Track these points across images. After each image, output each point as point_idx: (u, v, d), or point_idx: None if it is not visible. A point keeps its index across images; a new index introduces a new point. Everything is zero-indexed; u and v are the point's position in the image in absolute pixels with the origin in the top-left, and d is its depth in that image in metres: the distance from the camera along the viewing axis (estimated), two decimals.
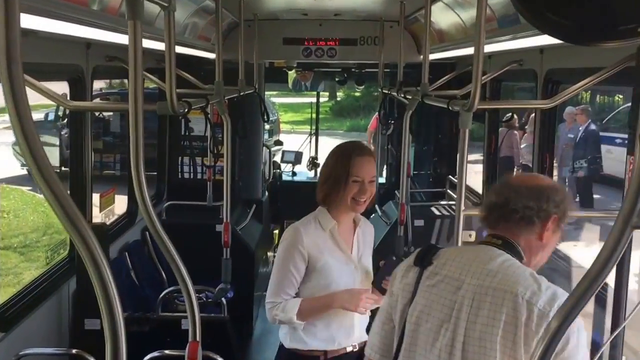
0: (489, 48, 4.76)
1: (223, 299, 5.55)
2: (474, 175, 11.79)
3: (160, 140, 7.99)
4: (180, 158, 8.13)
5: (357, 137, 24.89)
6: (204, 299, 6.34)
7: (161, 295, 5.51)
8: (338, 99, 32.30)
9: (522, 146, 13.60)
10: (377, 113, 12.76)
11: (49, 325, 4.87)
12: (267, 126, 17.46)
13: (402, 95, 6.07)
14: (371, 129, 15.57)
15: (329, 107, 31.71)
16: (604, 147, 13.57)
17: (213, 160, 7.55)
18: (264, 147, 9.47)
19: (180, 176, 8.12)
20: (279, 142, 14.16)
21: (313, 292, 3.66)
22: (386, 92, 7.33)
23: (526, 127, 13.65)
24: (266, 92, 20.46)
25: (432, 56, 5.55)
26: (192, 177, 7.76)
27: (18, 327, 4.35)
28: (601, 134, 13.99)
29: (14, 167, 14.78)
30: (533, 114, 12.84)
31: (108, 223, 6.41)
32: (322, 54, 8.12)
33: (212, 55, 7.61)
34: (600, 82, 3.79)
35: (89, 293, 4.76)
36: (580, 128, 13.11)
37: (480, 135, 7.49)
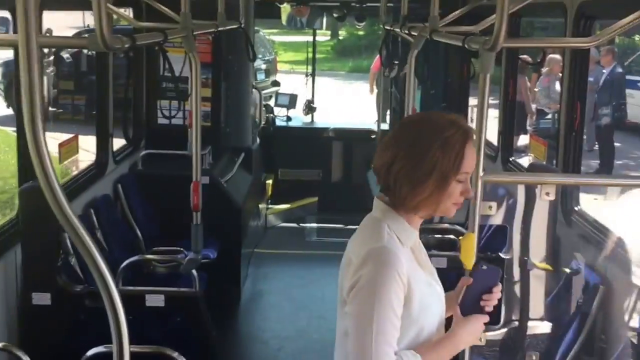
0: None
1: (194, 271, 4.81)
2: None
3: (136, 81, 7.18)
4: (159, 101, 7.31)
5: (360, 78, 24.05)
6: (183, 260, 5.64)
7: (123, 265, 4.78)
8: (340, 37, 31.21)
9: (536, 89, 12.77)
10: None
11: None
12: (263, 66, 16.61)
13: (407, 32, 5.30)
14: (374, 70, 14.71)
15: (330, 47, 30.66)
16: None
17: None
18: (255, 90, 8.64)
19: (159, 122, 7.31)
20: (276, 83, 13.40)
21: (408, 343, 2.44)
22: (389, 28, 6.51)
23: (542, 69, 12.79)
24: (264, 30, 19.64)
25: None
26: (171, 122, 6.96)
27: None
28: None
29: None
30: (549, 55, 12.06)
31: (72, 176, 5.67)
32: None
33: None
34: None
35: (37, 263, 3.97)
36: (604, 70, 12.23)
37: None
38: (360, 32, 28.59)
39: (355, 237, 2.50)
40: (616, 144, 12.38)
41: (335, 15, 9.51)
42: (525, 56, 10.75)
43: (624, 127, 13.23)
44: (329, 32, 29.62)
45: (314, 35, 10.86)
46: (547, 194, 2.48)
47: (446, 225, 5.76)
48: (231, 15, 6.27)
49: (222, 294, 6.52)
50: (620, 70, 12.73)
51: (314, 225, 9.52)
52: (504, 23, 2.52)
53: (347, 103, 18.53)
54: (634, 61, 16.27)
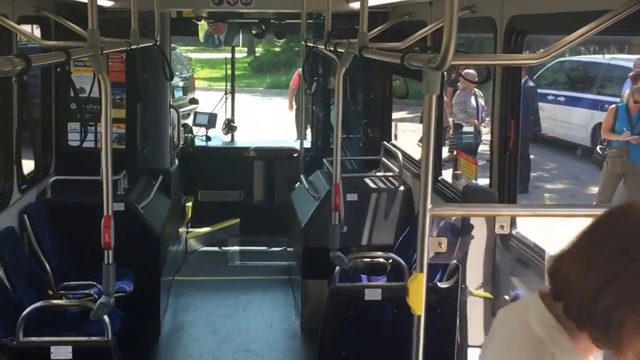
0: None
1: (106, 317, 4.37)
2: (403, 136, 10.91)
3: (44, 102, 6.74)
4: (69, 124, 6.88)
5: (279, 94, 23.84)
6: (96, 295, 5.23)
7: (24, 313, 4.31)
8: (257, 54, 30.96)
9: (453, 102, 12.77)
10: (299, 69, 11.69)
11: None
12: (180, 83, 16.21)
13: (332, 49, 5.06)
14: (293, 87, 14.52)
15: (247, 63, 30.40)
16: None
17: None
18: (172, 109, 8.27)
19: (70, 145, 6.87)
20: (194, 101, 13.04)
21: None
22: (311, 45, 6.27)
23: (458, 84, 12.82)
24: (181, 47, 19.20)
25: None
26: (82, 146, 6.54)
27: None
28: None
29: None
30: (464, 70, 12.07)
31: None
32: (235, 1, 7.02)
33: (108, 3, 6.42)
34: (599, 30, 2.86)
35: None
36: None
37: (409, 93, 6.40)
38: (277, 49, 28.41)
39: (498, 351, 1.87)
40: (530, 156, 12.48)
41: (254, 32, 9.23)
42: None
43: (536, 140, 13.39)
44: (245, 49, 29.33)
45: (233, 52, 10.59)
46: (502, 227, 2.23)
47: (379, 253, 5.53)
48: (146, 32, 5.94)
49: (140, 329, 6.12)
50: (531, 84, 12.83)
51: (237, 248, 9.19)
52: (452, 40, 2.29)
53: (265, 119, 18.30)
54: (541, 75, 16.55)
